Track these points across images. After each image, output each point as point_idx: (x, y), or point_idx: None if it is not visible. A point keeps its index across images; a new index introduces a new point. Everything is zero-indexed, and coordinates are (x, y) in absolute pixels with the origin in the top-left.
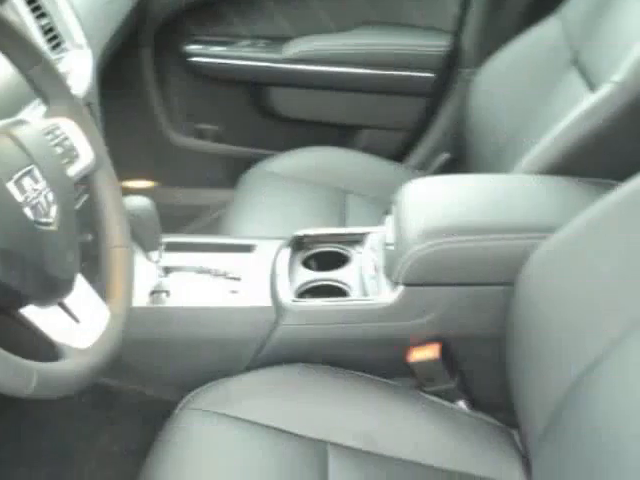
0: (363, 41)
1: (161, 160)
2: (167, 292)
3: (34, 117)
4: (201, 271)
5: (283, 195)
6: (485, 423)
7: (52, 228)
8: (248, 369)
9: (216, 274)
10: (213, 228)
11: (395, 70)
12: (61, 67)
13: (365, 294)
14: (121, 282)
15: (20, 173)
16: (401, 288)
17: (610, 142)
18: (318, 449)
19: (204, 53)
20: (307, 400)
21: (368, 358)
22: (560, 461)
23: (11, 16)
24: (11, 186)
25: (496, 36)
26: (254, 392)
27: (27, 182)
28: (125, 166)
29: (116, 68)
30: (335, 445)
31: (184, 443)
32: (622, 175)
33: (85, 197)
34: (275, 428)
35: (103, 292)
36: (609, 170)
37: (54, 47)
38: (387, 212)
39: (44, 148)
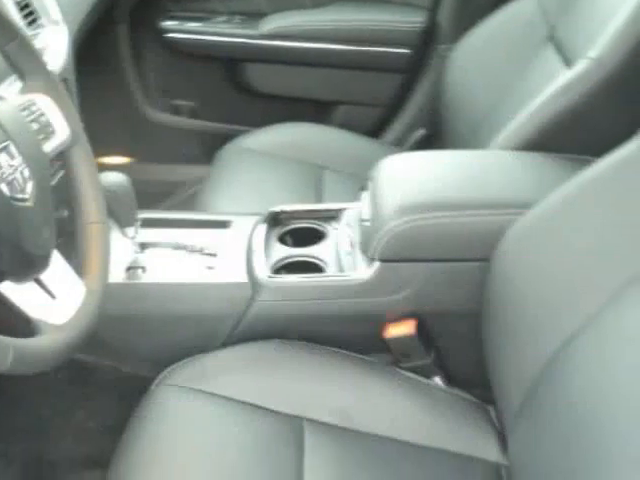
0: (339, 17)
1: (137, 136)
2: (143, 268)
3: (10, 93)
4: (177, 247)
5: (259, 171)
6: (461, 399)
7: (28, 204)
8: (224, 345)
9: (192, 250)
10: (189, 204)
11: (371, 46)
12: (37, 43)
13: (341, 270)
14: (97, 258)
15: None
16: (377, 264)
17: (586, 118)
18: (294, 425)
19: (180, 29)
20: (283, 376)
21: (344, 334)
22: (536, 437)
23: None
24: None
25: (472, 12)
26: (230, 368)
27: (3, 158)
28: (101, 142)
29: (92, 44)
30: (311, 421)
31: (160, 419)
32: (598, 151)
33: (61, 173)
34: (251, 404)
35: (79, 268)
36: (585, 146)
37: (30, 23)
38: (363, 188)
39: (20, 124)
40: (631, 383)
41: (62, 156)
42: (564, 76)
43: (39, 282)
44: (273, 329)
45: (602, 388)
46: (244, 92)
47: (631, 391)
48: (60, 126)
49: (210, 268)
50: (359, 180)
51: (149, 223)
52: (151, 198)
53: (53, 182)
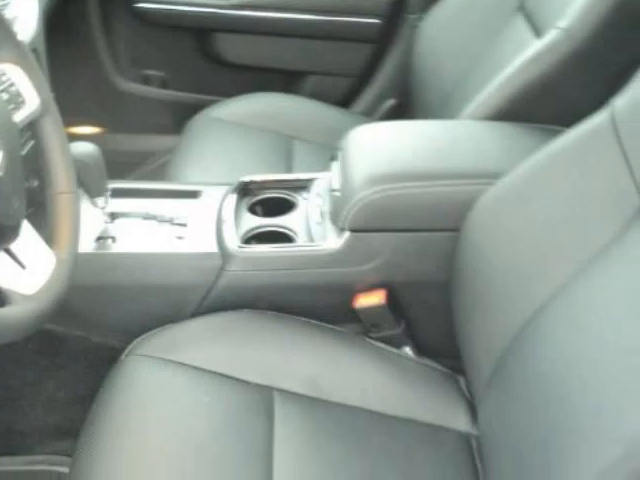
0: None
1: (107, 106)
2: (113, 238)
3: None
4: (147, 217)
5: (229, 141)
6: (431, 369)
7: None
8: (194, 315)
9: (162, 220)
10: (159, 174)
11: (341, 16)
12: (7, 13)
13: (311, 240)
14: (67, 228)
15: None
16: (347, 234)
17: (556, 88)
18: (264, 395)
19: None
20: (253, 346)
21: (314, 304)
22: (506, 407)
23: None
24: None
25: None
26: (200, 338)
27: None
28: (71, 112)
29: (62, 14)
30: (281, 391)
31: (130, 389)
32: (568, 121)
33: (31, 143)
34: (221, 374)
35: (49, 238)
36: (555, 116)
37: None
38: (333, 158)
39: None
40: (601, 354)
41: (32, 126)
42: (534, 46)
43: (9, 252)
44: (243, 299)
45: (572, 359)
46: (214, 62)
47: (601, 362)
48: (30, 96)
49: (180, 238)
50: (329, 150)
51: (119, 193)
52: (121, 168)
53: (23, 152)
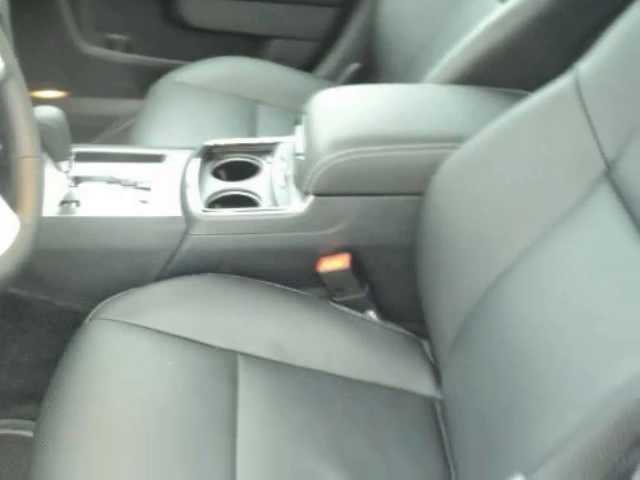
0: None
1: (71, 70)
2: (77, 202)
3: None
4: (111, 181)
5: (193, 105)
6: (395, 333)
7: None
8: (158, 279)
9: (126, 184)
10: (123, 138)
11: None
12: None
13: (275, 204)
14: (31, 192)
15: None
16: (311, 198)
17: (520, 52)
18: (228, 359)
19: None
20: (217, 310)
21: (278, 268)
22: (470, 371)
23: None
24: None
25: None
26: (164, 302)
27: None
28: (35, 76)
29: None
30: (245, 355)
31: (94, 353)
32: (532, 85)
33: None
34: (185, 338)
35: (13, 202)
36: (519, 80)
37: None
38: (297, 122)
39: None
40: (565, 320)
41: None
42: (498, 10)
43: None
44: (207, 263)
45: (537, 325)
46: (178, 26)
47: (565, 328)
48: None
49: (144, 202)
50: (293, 114)
51: (83, 157)
52: (85, 132)
53: None
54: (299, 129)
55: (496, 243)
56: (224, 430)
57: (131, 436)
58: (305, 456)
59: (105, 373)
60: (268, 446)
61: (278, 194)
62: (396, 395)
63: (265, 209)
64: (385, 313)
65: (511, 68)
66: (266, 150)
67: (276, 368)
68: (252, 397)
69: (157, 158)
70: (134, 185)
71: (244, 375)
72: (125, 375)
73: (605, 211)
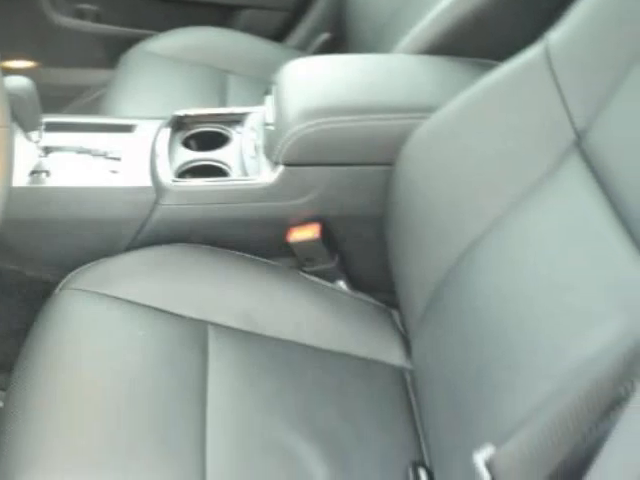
0: None
1: (41, 40)
2: (47, 172)
3: None
4: (81, 151)
5: (163, 75)
6: (365, 303)
7: None
8: (128, 249)
9: (96, 154)
10: (93, 108)
11: None
12: None
13: (245, 174)
14: (0, 162)
15: None
16: (281, 168)
17: (489, 22)
18: (198, 329)
19: None
20: (187, 280)
21: (248, 238)
22: (440, 341)
23: None
24: None
25: None
26: (134, 272)
27: None
28: (5, 46)
29: None
30: (215, 325)
31: (64, 323)
32: (502, 55)
33: None
34: (155, 308)
35: None
36: (489, 50)
37: None
38: (267, 92)
39: None
40: (536, 290)
41: None
42: None
43: None
44: (177, 233)
45: (507, 295)
46: None
47: (536, 298)
48: None
49: (114, 172)
50: (263, 84)
51: (53, 127)
52: (55, 102)
53: None
54: (269, 99)
55: (466, 213)
56: (194, 400)
57: (101, 406)
58: (275, 426)
59: (75, 343)
60: (238, 416)
61: (248, 164)
62: (366, 365)
63: (235, 179)
64: (355, 283)
65: (481, 38)
66: (236, 120)
67: (246, 338)
68: (222, 367)
69: (127, 128)
70: (104, 155)
71: (214, 345)
72: (95, 345)
73: (575, 181)
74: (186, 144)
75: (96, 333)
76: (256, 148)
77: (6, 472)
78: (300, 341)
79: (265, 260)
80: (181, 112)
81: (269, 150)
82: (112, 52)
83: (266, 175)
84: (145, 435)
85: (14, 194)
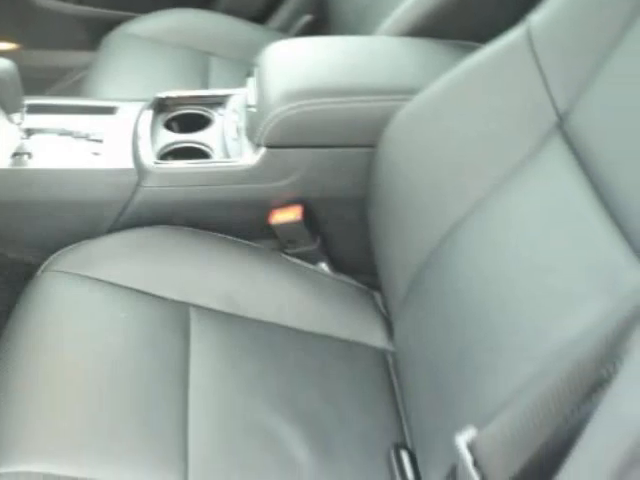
0: None
1: (23, 22)
2: (29, 154)
3: None
4: (63, 133)
5: (145, 57)
6: (347, 285)
7: None
8: (110, 231)
9: (78, 136)
10: (75, 90)
11: None
12: None
13: (227, 156)
14: None
15: None
16: (263, 150)
17: (472, 4)
18: (180, 311)
19: None
20: (169, 262)
21: (230, 220)
22: (422, 323)
23: None
24: None
25: None
26: (116, 254)
27: None
28: None
29: None
30: (197, 307)
31: (46, 305)
32: (484, 37)
33: None
34: (137, 290)
35: None
36: (471, 32)
37: None
38: (249, 74)
39: None
40: (517, 272)
41: None
42: None
43: None
44: (159, 215)
45: (489, 277)
46: None
47: (517, 281)
48: None
49: (96, 154)
50: (245, 66)
51: (35, 109)
52: (37, 84)
53: None
54: (251, 81)
55: (448, 195)
56: (176, 382)
57: (83, 388)
58: (257, 408)
59: (57, 325)
60: (220, 398)
61: (230, 146)
62: (348, 347)
63: (217, 161)
64: (337, 265)
65: (463, 20)
66: (218, 102)
67: (228, 320)
68: (204, 349)
69: (109, 110)
70: (86, 137)
71: (196, 327)
72: (77, 327)
73: (557, 162)
74: (168, 126)
75: (78, 315)
76: (238, 130)
77: None
78: (282, 323)
79: (247, 242)
80: (163, 94)
81: (251, 132)
82: (94, 34)
83: (248, 157)
84: (127, 417)
85: None
